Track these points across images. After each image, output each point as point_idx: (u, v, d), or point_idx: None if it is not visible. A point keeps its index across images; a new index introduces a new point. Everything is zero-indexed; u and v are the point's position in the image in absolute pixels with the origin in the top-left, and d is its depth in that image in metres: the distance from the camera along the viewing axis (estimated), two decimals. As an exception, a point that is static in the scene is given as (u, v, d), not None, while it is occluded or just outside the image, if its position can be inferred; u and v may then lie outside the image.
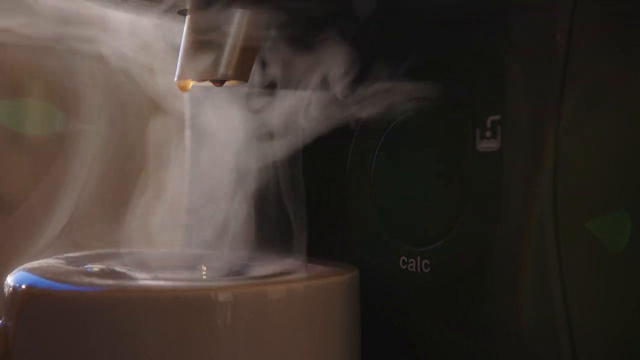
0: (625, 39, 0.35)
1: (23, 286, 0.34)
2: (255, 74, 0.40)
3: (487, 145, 0.35)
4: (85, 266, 0.38)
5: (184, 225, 0.47)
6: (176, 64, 0.39)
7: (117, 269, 0.38)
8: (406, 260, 0.38)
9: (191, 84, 0.39)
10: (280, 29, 0.39)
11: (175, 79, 0.39)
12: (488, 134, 0.35)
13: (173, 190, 0.42)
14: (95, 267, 0.38)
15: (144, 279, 0.36)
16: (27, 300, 0.34)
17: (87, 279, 0.35)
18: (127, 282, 0.35)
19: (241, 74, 0.39)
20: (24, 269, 0.36)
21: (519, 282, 0.34)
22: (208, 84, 0.39)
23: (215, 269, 0.40)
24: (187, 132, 0.48)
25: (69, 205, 0.41)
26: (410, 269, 0.38)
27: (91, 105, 0.42)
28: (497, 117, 0.35)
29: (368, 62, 0.40)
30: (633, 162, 0.35)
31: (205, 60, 0.38)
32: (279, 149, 0.41)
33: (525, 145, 0.34)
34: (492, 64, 0.35)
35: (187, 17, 0.39)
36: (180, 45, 0.39)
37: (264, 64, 0.40)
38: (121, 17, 0.40)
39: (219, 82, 0.39)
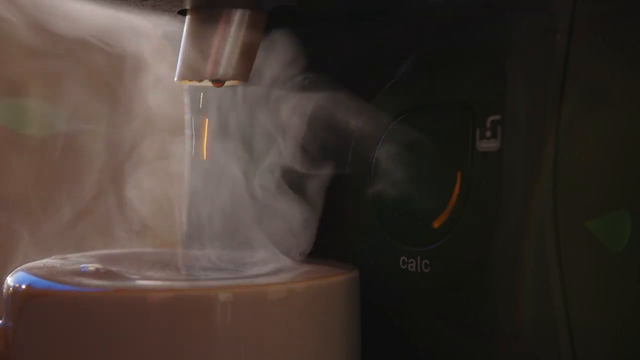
0: (625, 38, 0.35)
1: (23, 286, 0.34)
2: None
3: (487, 145, 0.35)
4: (85, 266, 0.38)
5: (184, 226, 0.47)
6: (176, 64, 0.39)
7: (117, 269, 0.38)
8: (406, 260, 0.38)
9: (191, 83, 0.39)
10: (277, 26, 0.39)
11: (176, 79, 0.39)
12: (488, 134, 0.35)
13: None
14: (95, 268, 0.38)
15: (144, 279, 0.36)
16: (27, 300, 0.34)
17: (87, 279, 0.35)
18: (127, 283, 0.35)
19: (241, 74, 0.39)
20: (24, 269, 0.36)
21: (519, 282, 0.34)
22: (208, 83, 0.39)
23: (215, 268, 0.40)
24: (187, 132, 0.48)
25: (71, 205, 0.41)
26: (410, 269, 0.38)
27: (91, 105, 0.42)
28: (497, 117, 0.35)
29: (368, 62, 0.40)
30: (633, 162, 0.35)
31: (205, 60, 0.38)
32: (280, 148, 0.41)
33: (525, 145, 0.34)
34: (492, 64, 0.35)
35: (187, 17, 0.39)
36: (180, 45, 0.39)
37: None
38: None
39: (219, 82, 0.39)
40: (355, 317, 0.37)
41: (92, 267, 0.38)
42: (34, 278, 0.35)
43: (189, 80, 0.39)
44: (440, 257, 0.37)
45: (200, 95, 0.45)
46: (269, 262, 0.39)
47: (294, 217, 0.39)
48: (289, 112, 0.40)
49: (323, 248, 0.40)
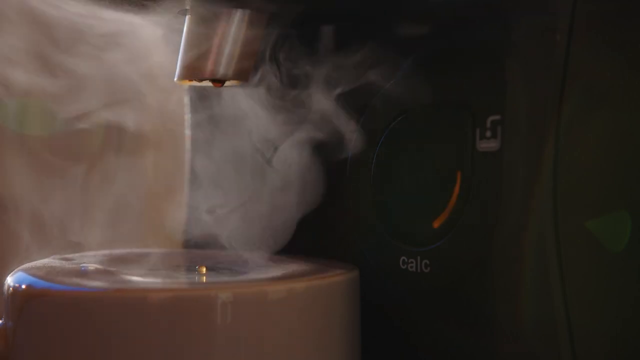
0: (625, 38, 0.35)
1: (23, 286, 0.34)
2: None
3: (487, 145, 0.35)
4: (85, 266, 0.38)
5: (184, 226, 0.47)
6: (176, 64, 0.39)
7: (117, 269, 0.38)
8: (406, 260, 0.38)
9: (191, 83, 0.39)
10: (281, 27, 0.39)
11: (175, 79, 0.39)
12: (488, 134, 0.35)
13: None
14: (95, 267, 0.38)
15: (144, 279, 0.36)
16: (27, 300, 0.34)
17: (87, 279, 0.35)
18: (126, 283, 0.35)
19: (241, 74, 0.39)
20: (24, 269, 0.36)
21: (519, 282, 0.34)
22: (208, 83, 0.39)
23: (215, 269, 0.40)
24: (187, 132, 0.48)
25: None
26: (410, 269, 0.38)
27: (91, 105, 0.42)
28: (497, 117, 0.35)
29: (369, 62, 0.40)
30: (633, 162, 0.35)
31: (205, 60, 0.38)
32: (279, 148, 0.41)
33: (525, 145, 0.34)
34: (492, 64, 0.35)
35: (187, 17, 0.39)
36: (180, 45, 0.39)
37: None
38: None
39: (219, 82, 0.39)
40: (355, 317, 0.37)
41: (92, 267, 0.38)
42: (34, 278, 0.35)
43: (189, 80, 0.39)
44: (440, 257, 0.37)
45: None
46: (268, 262, 0.39)
47: (294, 215, 0.39)
48: (288, 111, 0.40)
49: (323, 248, 0.40)
